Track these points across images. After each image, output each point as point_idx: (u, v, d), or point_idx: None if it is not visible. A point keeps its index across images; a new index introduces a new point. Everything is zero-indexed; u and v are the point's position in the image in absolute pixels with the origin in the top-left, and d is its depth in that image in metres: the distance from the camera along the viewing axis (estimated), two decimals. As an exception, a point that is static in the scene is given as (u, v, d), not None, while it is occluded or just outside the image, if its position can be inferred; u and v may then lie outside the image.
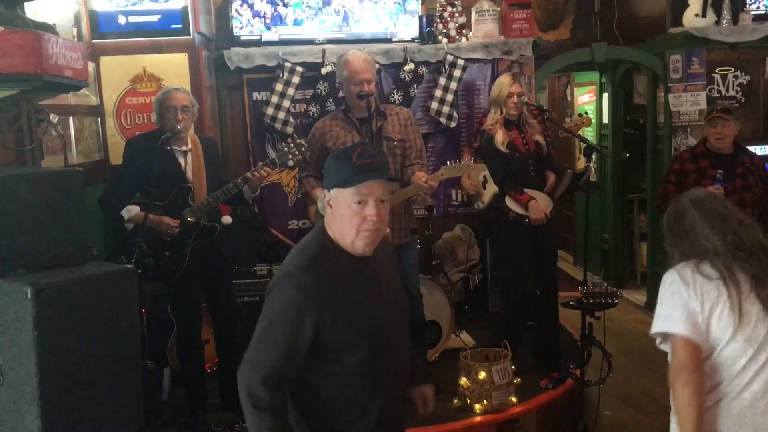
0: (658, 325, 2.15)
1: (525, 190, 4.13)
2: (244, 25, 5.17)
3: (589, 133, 7.09)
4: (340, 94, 5.26)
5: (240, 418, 3.41)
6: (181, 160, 3.80)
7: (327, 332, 1.91)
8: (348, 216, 1.92)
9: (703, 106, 5.65)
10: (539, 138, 4.24)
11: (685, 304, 2.09)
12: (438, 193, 4.22)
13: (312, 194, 3.88)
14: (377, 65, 3.90)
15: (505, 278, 4.64)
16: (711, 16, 5.60)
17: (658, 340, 2.21)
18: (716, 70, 5.76)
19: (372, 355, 1.95)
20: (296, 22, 5.23)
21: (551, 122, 4.64)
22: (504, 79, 4.22)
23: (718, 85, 5.78)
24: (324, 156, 3.85)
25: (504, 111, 4.17)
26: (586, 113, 5.31)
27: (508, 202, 4.16)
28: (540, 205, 4.10)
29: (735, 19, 5.65)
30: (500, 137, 4.15)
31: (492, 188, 4.63)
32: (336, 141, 3.81)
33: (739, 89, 5.78)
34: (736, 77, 5.78)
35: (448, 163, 3.90)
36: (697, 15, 5.60)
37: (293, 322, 1.90)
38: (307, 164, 3.92)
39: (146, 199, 3.60)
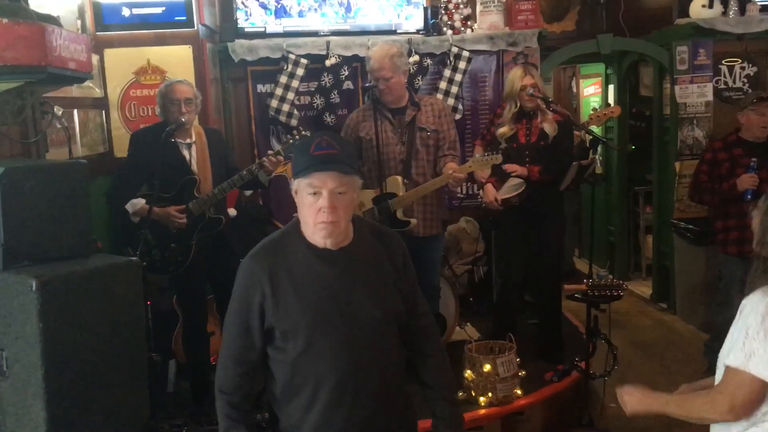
0: (740, 361, 1.76)
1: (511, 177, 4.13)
2: (249, 16, 5.15)
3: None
4: (345, 86, 5.27)
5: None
6: (186, 153, 3.80)
7: (270, 315, 1.93)
8: (305, 206, 1.94)
9: (710, 97, 5.62)
10: (548, 126, 4.15)
11: None
12: (443, 186, 4.20)
13: None
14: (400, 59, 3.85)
15: (495, 259, 4.67)
16: (718, 6, 5.56)
17: (719, 372, 1.88)
18: (723, 62, 5.72)
19: (306, 348, 1.92)
20: (300, 14, 5.21)
21: (556, 113, 4.61)
22: (516, 72, 4.18)
23: (725, 77, 5.74)
24: (358, 146, 3.87)
25: (519, 104, 4.14)
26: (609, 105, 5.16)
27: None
28: (490, 189, 4.11)
29: (742, 10, 5.60)
30: (503, 129, 4.15)
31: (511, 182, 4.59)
32: (369, 131, 3.85)
33: (746, 80, 5.74)
34: (743, 68, 5.74)
35: (476, 155, 3.93)
36: (704, 6, 5.56)
37: (243, 302, 1.97)
38: None
39: (152, 192, 3.60)
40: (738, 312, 1.84)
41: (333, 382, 1.92)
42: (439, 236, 4.01)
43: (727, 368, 1.81)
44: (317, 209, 1.90)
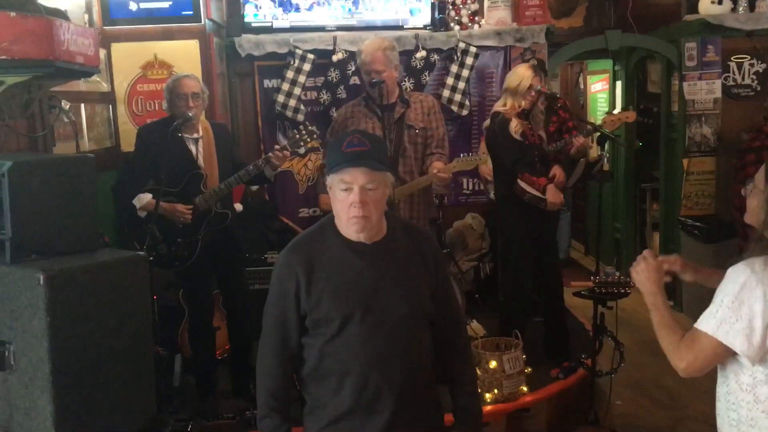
0: (710, 327, 1.81)
1: None
2: (258, 8, 5.13)
3: (602, 122, 7.03)
4: (351, 81, 5.26)
5: (251, 405, 3.43)
6: (192, 148, 3.80)
7: (304, 303, 2.01)
8: (338, 201, 2.01)
9: (718, 94, 5.59)
10: (542, 133, 4.21)
11: (752, 319, 1.75)
12: (446, 184, 4.20)
13: None
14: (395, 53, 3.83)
15: (506, 264, 4.63)
16: (727, 3, 5.52)
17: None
18: (732, 58, 5.68)
19: (335, 336, 1.99)
20: (308, 9, 5.19)
21: (564, 110, 4.60)
22: (526, 72, 4.12)
23: (733, 73, 5.70)
24: None
25: (522, 103, 4.11)
26: (626, 108, 5.07)
27: (523, 184, 4.13)
28: (556, 191, 4.09)
29: (752, 6, 5.57)
30: (515, 124, 4.11)
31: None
32: (357, 127, 3.78)
33: (755, 77, 5.70)
34: (752, 65, 5.70)
35: (461, 155, 3.89)
36: (713, 2, 5.52)
37: (279, 293, 2.06)
38: None
39: (158, 187, 3.60)
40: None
41: (357, 371, 1.99)
42: None
43: (698, 330, 1.85)
44: (349, 204, 1.97)
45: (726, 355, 1.84)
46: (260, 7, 5.14)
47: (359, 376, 1.99)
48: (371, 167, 1.96)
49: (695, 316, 1.90)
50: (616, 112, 4.81)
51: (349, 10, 5.23)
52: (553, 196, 4.08)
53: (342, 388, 2.01)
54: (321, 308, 2.00)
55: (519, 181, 4.13)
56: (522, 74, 4.13)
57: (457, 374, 2.21)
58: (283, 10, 5.16)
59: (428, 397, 2.13)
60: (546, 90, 4.06)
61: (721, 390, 1.97)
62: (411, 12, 5.28)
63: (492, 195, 5.02)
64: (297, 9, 5.18)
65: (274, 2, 5.15)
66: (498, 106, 4.26)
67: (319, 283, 2.01)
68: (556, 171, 4.18)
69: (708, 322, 1.83)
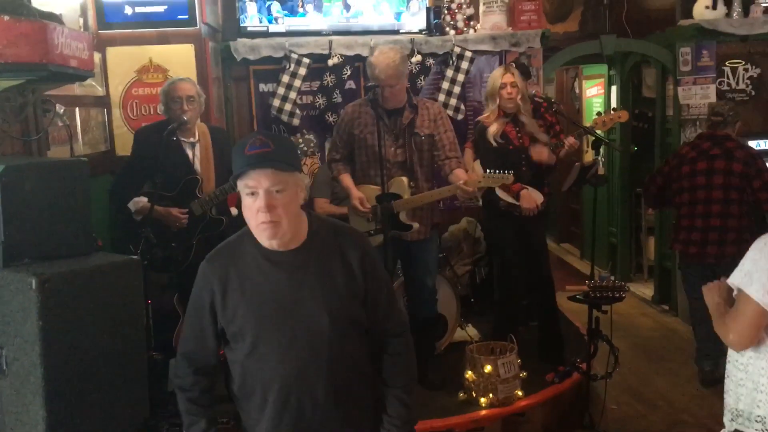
0: (736, 278, 2.07)
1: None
2: (252, 14, 5.14)
3: (597, 126, 7.04)
4: (347, 85, 5.27)
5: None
6: (189, 152, 3.80)
7: (220, 316, 1.96)
8: (246, 208, 1.90)
9: (713, 99, 5.60)
10: (540, 136, 4.16)
11: None
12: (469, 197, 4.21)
13: (340, 179, 3.87)
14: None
15: (494, 270, 4.63)
16: (721, 8, 5.55)
17: (734, 291, 2.12)
18: (726, 63, 5.71)
19: (252, 351, 1.92)
20: (300, 15, 5.20)
21: (559, 114, 4.60)
22: (496, 72, 4.17)
23: (728, 78, 5.72)
24: (351, 142, 3.83)
25: (499, 103, 4.08)
26: (614, 109, 5.07)
27: (499, 192, 4.12)
28: (530, 195, 4.06)
29: (746, 12, 5.59)
30: (494, 129, 4.08)
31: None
32: (363, 129, 3.78)
33: (749, 82, 5.73)
34: (746, 70, 5.73)
35: (488, 171, 3.77)
36: (707, 7, 5.54)
37: (196, 303, 2.01)
38: (336, 150, 3.89)
39: (154, 190, 3.59)
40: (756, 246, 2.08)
41: (277, 387, 1.92)
42: (431, 239, 3.94)
43: (737, 296, 2.07)
44: (256, 210, 1.86)
45: (763, 314, 2.00)
46: (255, 13, 5.14)
47: (279, 393, 1.91)
48: (276, 168, 1.84)
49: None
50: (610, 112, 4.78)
51: (345, 15, 5.24)
52: (526, 201, 4.04)
53: (265, 405, 1.94)
54: (236, 322, 1.93)
55: (496, 189, 4.09)
56: (493, 75, 4.16)
57: (391, 380, 2.07)
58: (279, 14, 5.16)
59: (361, 410, 2.04)
60: (540, 95, 4.05)
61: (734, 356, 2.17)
62: (407, 17, 5.29)
63: (480, 202, 5.02)
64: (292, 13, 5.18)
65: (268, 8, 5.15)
66: (481, 117, 4.25)
67: (234, 296, 1.93)
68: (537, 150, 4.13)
69: (735, 275, 2.07)
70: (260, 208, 1.84)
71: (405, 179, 3.77)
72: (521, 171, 4.10)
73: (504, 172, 3.69)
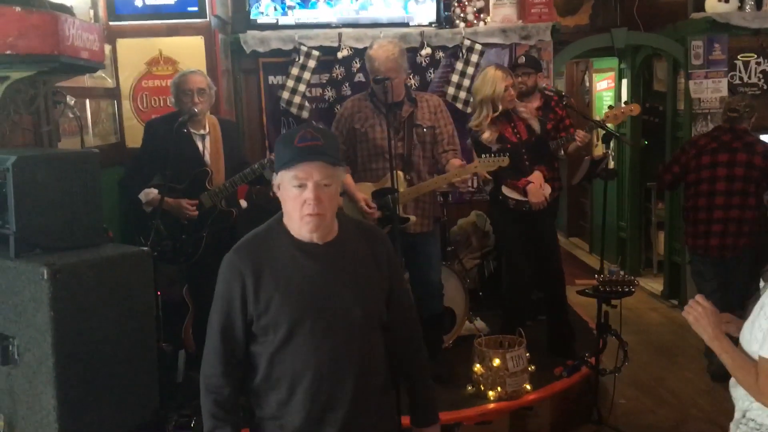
0: (764, 350, 1.84)
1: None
2: (267, 2, 5.12)
3: (608, 120, 7.01)
4: (356, 78, 5.25)
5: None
6: (199, 144, 3.80)
7: (252, 308, 1.91)
8: (290, 199, 1.90)
9: (725, 93, 5.56)
10: (532, 122, 4.08)
11: None
12: (464, 184, 4.18)
13: None
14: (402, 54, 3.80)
15: (503, 264, 4.61)
16: (734, 1, 5.50)
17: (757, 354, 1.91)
18: (738, 57, 5.66)
19: (284, 343, 1.90)
20: (312, 5, 5.19)
21: (570, 107, 4.58)
22: (496, 74, 3.98)
23: (740, 72, 5.68)
24: (352, 137, 3.82)
25: (500, 107, 3.99)
26: (626, 103, 5.02)
27: (506, 191, 4.09)
28: (538, 189, 4.02)
29: (759, 5, 5.54)
30: (487, 135, 4.00)
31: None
32: (364, 122, 3.78)
33: (761, 76, 5.68)
34: (758, 64, 5.68)
35: (483, 155, 3.73)
36: (719, 0, 5.50)
37: (225, 297, 1.95)
38: None
39: (164, 182, 3.60)
40: (760, 301, 1.88)
41: (309, 379, 1.90)
42: (433, 233, 3.92)
43: (761, 358, 1.84)
44: (302, 201, 1.87)
45: None
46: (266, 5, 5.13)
47: (311, 384, 1.90)
48: (327, 162, 1.87)
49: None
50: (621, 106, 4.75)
51: (355, 7, 5.22)
52: (534, 195, 4.00)
53: (293, 397, 1.92)
54: (270, 313, 1.90)
55: (503, 188, 4.08)
56: (493, 78, 3.97)
57: (416, 373, 2.15)
58: (288, 6, 5.14)
59: (382, 403, 2.06)
60: (551, 88, 4.02)
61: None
62: (417, 9, 5.26)
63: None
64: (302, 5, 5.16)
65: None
66: (471, 123, 4.12)
67: (267, 287, 1.91)
68: (535, 177, 4.06)
69: (764, 347, 1.83)
70: (308, 199, 1.86)
71: (401, 173, 3.75)
72: (524, 166, 4.07)
73: (500, 155, 3.67)
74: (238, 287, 1.93)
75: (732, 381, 2.01)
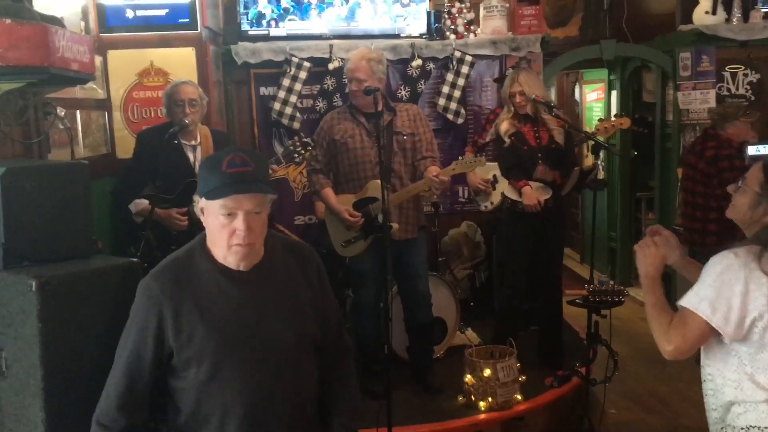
0: (692, 303, 1.92)
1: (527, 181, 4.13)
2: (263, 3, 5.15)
3: (597, 131, 7.05)
4: (347, 89, 5.26)
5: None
6: (190, 155, 3.80)
7: (172, 340, 1.79)
8: (217, 228, 1.78)
9: (713, 104, 5.61)
10: (555, 133, 4.17)
11: (730, 298, 1.86)
12: (444, 189, 4.22)
13: (322, 194, 3.87)
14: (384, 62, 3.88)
15: (501, 272, 4.63)
16: (721, 13, 5.56)
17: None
18: (726, 68, 5.72)
19: (212, 376, 1.77)
20: (308, 5, 5.19)
21: (558, 118, 4.61)
22: (508, 78, 4.27)
23: (728, 83, 5.73)
24: (332, 150, 3.84)
25: (512, 108, 4.18)
26: (620, 114, 5.08)
27: (506, 191, 4.22)
28: (533, 191, 4.07)
29: (746, 17, 5.61)
30: (504, 127, 4.16)
31: (501, 188, 4.60)
32: (344, 134, 3.81)
33: (749, 87, 5.74)
34: (746, 75, 5.74)
35: (459, 158, 3.90)
36: (707, 12, 5.56)
37: (137, 326, 1.83)
38: (315, 160, 3.90)
39: (155, 193, 3.60)
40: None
41: (241, 413, 1.78)
42: (418, 241, 3.93)
43: (682, 308, 1.96)
44: (231, 231, 1.76)
45: (709, 334, 1.93)
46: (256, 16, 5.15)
47: (244, 418, 1.78)
48: (259, 190, 1.75)
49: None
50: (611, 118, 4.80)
51: (346, 19, 5.25)
52: (526, 198, 4.07)
53: None
54: (193, 346, 1.77)
55: (504, 187, 4.18)
56: (509, 80, 4.23)
57: (337, 407, 2.01)
58: (279, 18, 5.17)
59: (316, 426, 1.97)
60: (540, 98, 4.06)
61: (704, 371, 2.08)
62: (408, 21, 5.29)
63: (482, 206, 5.02)
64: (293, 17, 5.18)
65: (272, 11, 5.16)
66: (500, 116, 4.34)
67: (190, 317, 1.78)
68: (539, 170, 4.15)
69: (690, 299, 1.95)
70: (239, 230, 1.75)
71: (379, 182, 3.77)
72: (534, 170, 4.14)
73: (476, 156, 3.86)
74: (154, 317, 1.80)
75: (703, 375, 2.08)
